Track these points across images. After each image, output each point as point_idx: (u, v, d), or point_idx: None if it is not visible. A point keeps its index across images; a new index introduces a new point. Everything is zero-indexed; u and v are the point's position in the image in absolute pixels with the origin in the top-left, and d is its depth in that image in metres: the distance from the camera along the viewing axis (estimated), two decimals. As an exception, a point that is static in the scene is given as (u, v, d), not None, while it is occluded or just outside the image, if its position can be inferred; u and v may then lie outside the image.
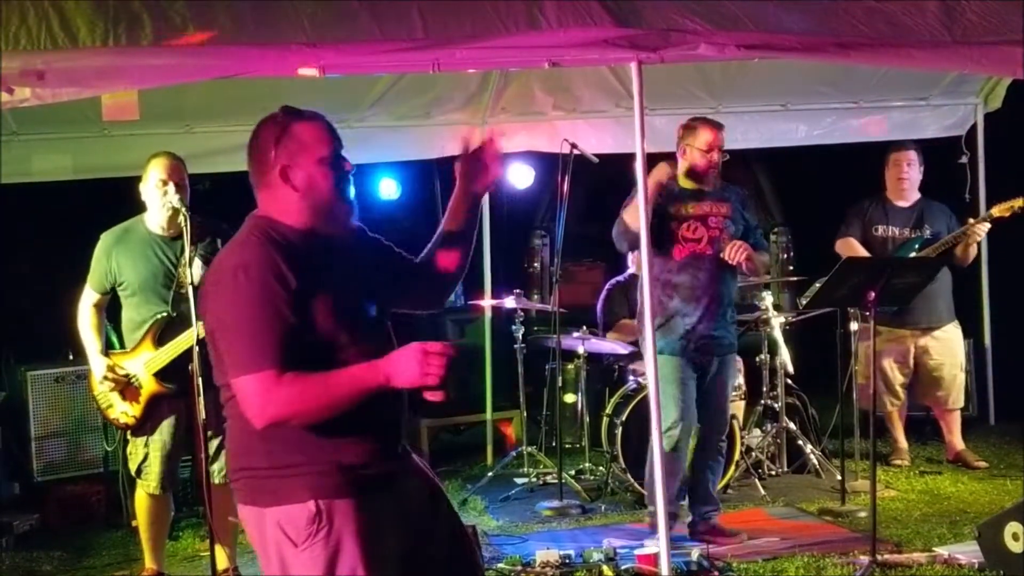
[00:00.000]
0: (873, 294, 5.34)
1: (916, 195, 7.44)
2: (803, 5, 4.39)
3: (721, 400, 5.93)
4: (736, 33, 4.31)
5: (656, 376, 4.72)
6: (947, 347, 7.42)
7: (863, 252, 7.20)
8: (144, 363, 5.21)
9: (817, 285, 6.11)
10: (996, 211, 6.86)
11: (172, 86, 5.60)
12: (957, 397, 7.47)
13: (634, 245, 5.64)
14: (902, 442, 7.58)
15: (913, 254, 7.09)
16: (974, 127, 8.57)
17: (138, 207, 5.32)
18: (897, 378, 7.43)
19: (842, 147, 8.70)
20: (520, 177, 8.72)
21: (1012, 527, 4.91)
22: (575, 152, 6.81)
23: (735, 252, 5.62)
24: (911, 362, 7.42)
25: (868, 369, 6.64)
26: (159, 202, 5.17)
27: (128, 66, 4.10)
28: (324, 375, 2.85)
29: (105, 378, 5.21)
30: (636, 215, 5.42)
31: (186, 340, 5.04)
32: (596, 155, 7.06)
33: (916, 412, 7.84)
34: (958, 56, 4.75)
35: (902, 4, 4.37)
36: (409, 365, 2.84)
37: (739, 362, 7.04)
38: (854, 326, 6.95)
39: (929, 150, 7.66)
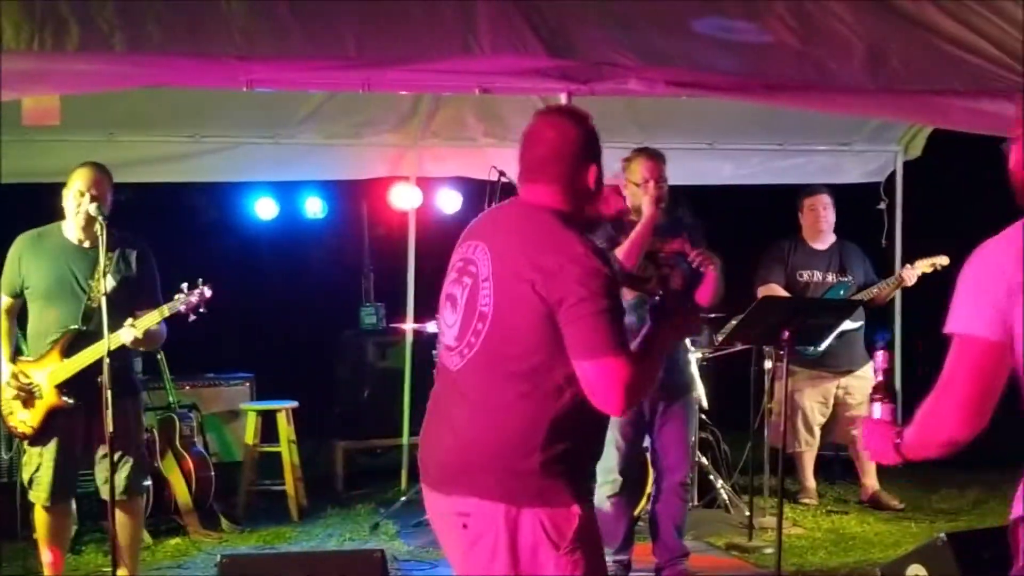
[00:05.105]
0: (788, 333, 5.41)
1: (832, 237, 7.55)
2: (734, 47, 4.46)
3: (673, 443, 5.58)
4: (666, 69, 4.38)
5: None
6: (869, 387, 7.44)
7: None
8: (48, 374, 5.10)
9: (734, 322, 6.15)
10: (921, 267, 7.08)
11: (98, 93, 5.52)
12: None
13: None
14: (811, 481, 7.65)
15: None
16: (893, 174, 8.72)
17: (59, 213, 5.23)
18: (816, 418, 7.50)
19: (762, 188, 8.80)
20: (448, 203, 8.75)
21: (914, 568, 4.97)
22: (503, 179, 6.83)
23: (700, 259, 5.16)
24: (831, 402, 7.50)
25: (783, 407, 6.75)
26: (74, 210, 5.09)
27: (52, 71, 4.06)
28: (642, 349, 2.99)
29: (8, 384, 5.11)
30: (629, 253, 5.18)
31: (92, 353, 4.97)
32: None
33: (826, 452, 7.92)
34: (879, 103, 4.88)
35: (831, 49, 4.47)
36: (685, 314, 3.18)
37: (701, 400, 6.67)
38: (768, 364, 7.02)
39: (848, 195, 7.79)
